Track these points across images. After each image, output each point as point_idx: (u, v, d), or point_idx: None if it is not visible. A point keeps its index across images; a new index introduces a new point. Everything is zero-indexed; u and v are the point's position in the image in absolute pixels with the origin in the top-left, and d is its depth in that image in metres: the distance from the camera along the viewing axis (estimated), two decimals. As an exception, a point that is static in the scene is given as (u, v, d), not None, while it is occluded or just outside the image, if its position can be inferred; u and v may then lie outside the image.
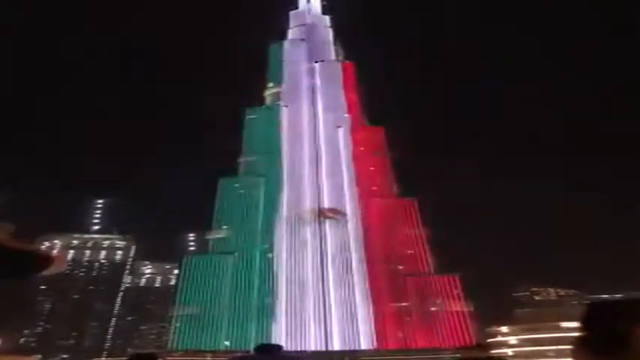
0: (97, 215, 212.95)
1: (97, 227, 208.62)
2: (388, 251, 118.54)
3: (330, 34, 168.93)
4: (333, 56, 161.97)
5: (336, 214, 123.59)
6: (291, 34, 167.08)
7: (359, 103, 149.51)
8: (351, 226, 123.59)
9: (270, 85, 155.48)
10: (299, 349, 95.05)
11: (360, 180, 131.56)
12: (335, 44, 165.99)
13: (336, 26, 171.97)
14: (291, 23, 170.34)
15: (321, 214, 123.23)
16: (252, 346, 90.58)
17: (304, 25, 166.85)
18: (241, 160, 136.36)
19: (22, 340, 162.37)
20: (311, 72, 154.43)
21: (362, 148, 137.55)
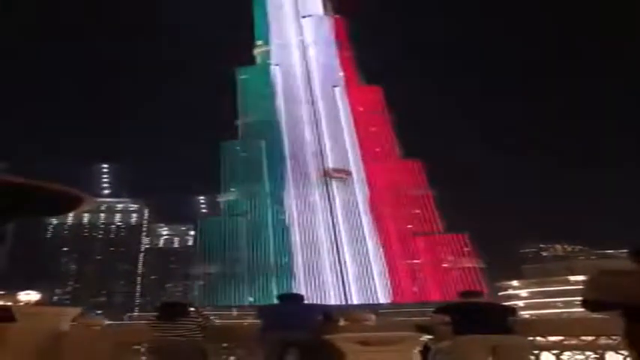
0: (105, 179, 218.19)
1: (107, 191, 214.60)
2: (396, 211, 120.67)
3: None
4: (321, 10, 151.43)
5: (342, 173, 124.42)
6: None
7: (353, 61, 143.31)
8: (357, 186, 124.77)
9: (259, 43, 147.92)
10: (319, 303, 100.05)
11: (363, 141, 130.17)
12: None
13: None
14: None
15: (326, 174, 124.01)
16: (275, 301, 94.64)
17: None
18: (239, 122, 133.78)
19: (56, 298, 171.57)
20: (299, 28, 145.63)
21: (361, 109, 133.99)
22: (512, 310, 6.76)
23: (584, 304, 3.72)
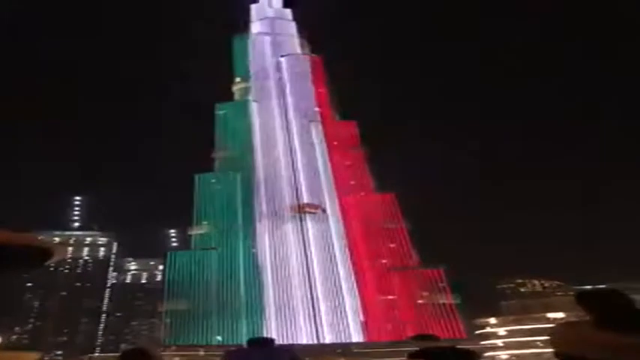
0: (76, 212, 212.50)
1: (76, 224, 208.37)
2: (371, 246, 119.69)
3: (293, 27, 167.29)
4: (298, 50, 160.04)
5: (315, 209, 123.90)
6: (253, 27, 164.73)
7: (329, 97, 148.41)
8: (331, 220, 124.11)
9: (238, 79, 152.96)
10: (291, 342, 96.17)
11: (337, 175, 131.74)
12: (300, 37, 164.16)
13: (299, 19, 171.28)
14: (253, 17, 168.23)
15: (300, 209, 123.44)
16: (244, 341, 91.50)
17: (266, 18, 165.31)
18: (215, 155, 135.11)
19: (14, 337, 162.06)
20: (278, 66, 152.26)
21: (335, 143, 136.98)
22: (476, 355, 6.61)
23: (556, 355, 3.52)
